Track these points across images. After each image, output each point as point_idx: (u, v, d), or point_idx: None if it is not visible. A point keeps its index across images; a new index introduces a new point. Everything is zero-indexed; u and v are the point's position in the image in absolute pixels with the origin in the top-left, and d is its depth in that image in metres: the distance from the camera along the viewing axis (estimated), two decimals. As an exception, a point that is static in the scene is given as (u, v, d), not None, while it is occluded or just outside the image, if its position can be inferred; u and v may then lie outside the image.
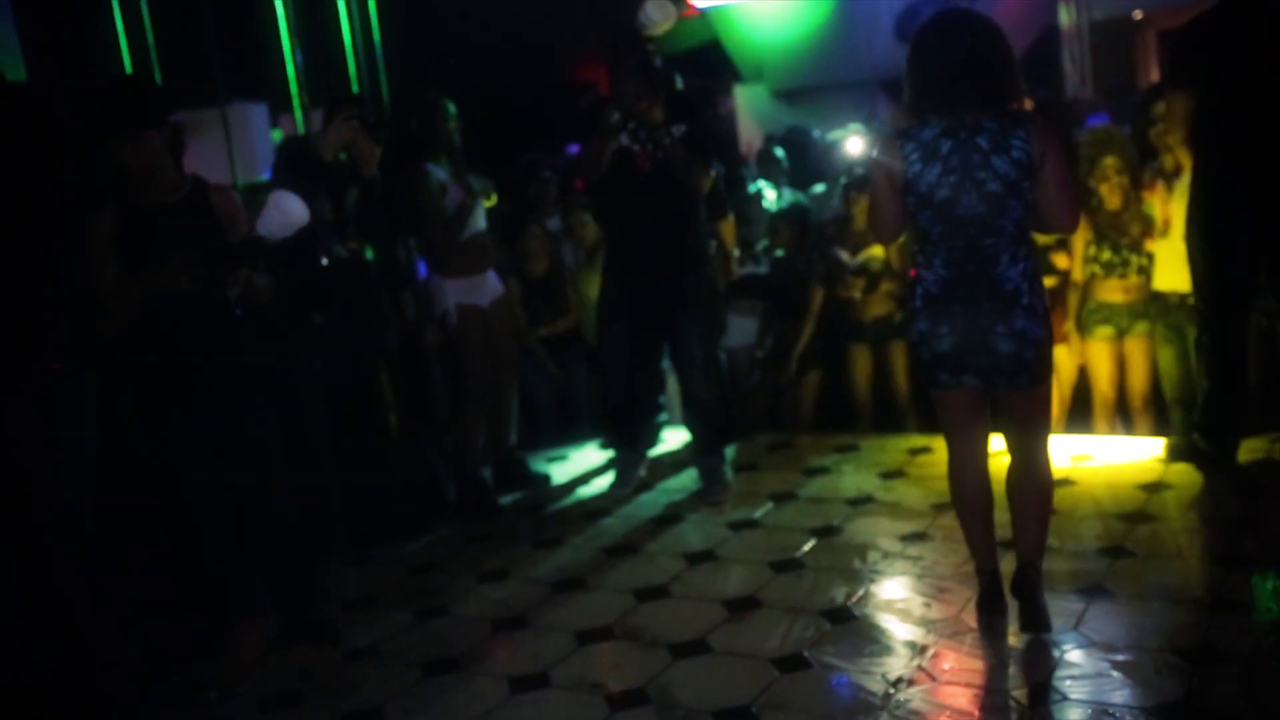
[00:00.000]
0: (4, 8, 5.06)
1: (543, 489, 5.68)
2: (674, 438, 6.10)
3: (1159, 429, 5.61)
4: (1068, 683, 3.34)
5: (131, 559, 3.80)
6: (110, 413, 3.57)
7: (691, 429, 5.62)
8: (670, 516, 5.11)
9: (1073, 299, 5.69)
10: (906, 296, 3.63)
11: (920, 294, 3.52)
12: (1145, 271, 5.58)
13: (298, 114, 6.72)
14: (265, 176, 6.74)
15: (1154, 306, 5.58)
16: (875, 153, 3.67)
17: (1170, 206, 5.39)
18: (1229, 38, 4.56)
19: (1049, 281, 5.09)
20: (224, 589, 3.99)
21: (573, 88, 10.61)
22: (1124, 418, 5.79)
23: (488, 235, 5.43)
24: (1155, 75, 10.59)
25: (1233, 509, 4.52)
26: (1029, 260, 3.45)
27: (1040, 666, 3.45)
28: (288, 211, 3.67)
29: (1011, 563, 3.76)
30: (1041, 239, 5.15)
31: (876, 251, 6.30)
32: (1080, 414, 5.83)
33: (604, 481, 5.64)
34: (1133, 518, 4.48)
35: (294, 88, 6.62)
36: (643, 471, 5.62)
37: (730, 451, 5.68)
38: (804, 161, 8.54)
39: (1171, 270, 5.39)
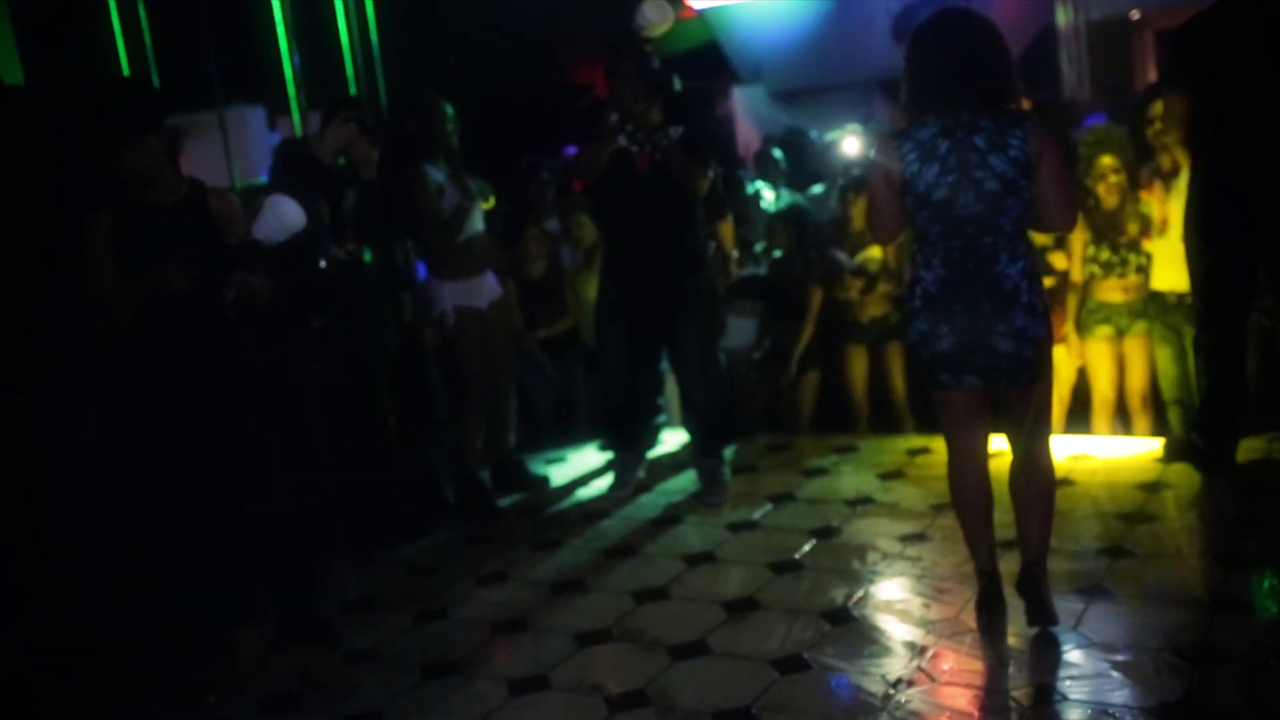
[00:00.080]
0: (2, 10, 5.06)
1: (541, 491, 5.67)
2: (673, 439, 6.10)
3: (1157, 429, 5.62)
4: (1067, 683, 3.34)
5: (131, 559, 3.80)
6: (110, 413, 3.57)
7: (690, 430, 5.62)
8: (669, 518, 5.11)
9: (1072, 301, 5.70)
10: (906, 296, 3.64)
11: (920, 294, 3.52)
12: (1144, 270, 5.59)
13: (295, 116, 6.71)
14: (263, 179, 6.73)
15: (1152, 306, 5.59)
16: (872, 153, 3.67)
17: (1168, 206, 5.40)
18: (1226, 38, 4.56)
19: (1047, 281, 5.10)
20: (223, 590, 3.99)
21: (571, 89, 10.60)
22: (1122, 418, 5.79)
23: (485, 237, 5.43)
24: (1152, 75, 10.59)
25: (1232, 509, 4.52)
26: (1027, 259, 3.46)
27: (1040, 667, 3.46)
28: (283, 216, 3.67)
29: (1011, 563, 3.76)
30: (1039, 239, 5.16)
31: (875, 253, 6.30)
32: (1079, 414, 5.83)
33: (603, 483, 5.64)
34: (1132, 518, 4.48)
35: (291, 90, 6.61)
36: (641, 473, 5.62)
37: (729, 453, 5.68)
38: (802, 162, 8.55)
39: (1169, 270, 5.40)
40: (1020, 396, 3.55)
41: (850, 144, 7.65)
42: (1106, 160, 5.57)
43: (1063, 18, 11.22)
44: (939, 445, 3.89)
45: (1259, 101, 4.49)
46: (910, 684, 3.43)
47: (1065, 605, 3.73)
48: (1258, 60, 4.48)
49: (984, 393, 3.58)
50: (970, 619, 3.75)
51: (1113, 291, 5.63)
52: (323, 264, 4.84)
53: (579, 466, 5.98)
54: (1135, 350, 5.67)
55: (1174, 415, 5.59)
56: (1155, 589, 3.87)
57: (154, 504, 3.91)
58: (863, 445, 5.83)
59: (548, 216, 6.84)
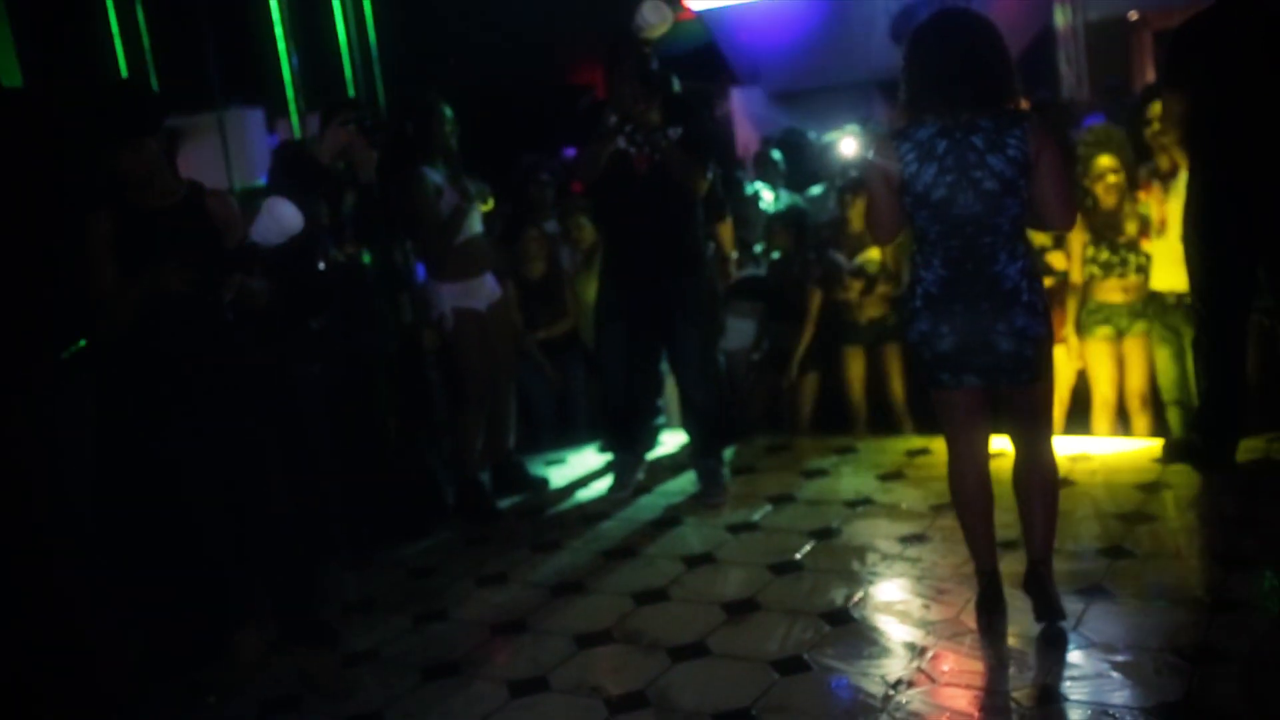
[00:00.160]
0: (1, 11, 5.06)
1: (541, 492, 5.67)
2: (672, 440, 6.10)
3: (1157, 429, 5.62)
4: (1067, 683, 3.34)
5: (131, 559, 3.80)
6: (110, 413, 3.57)
7: (689, 431, 5.62)
8: (669, 519, 5.10)
9: (1072, 303, 5.70)
10: (906, 297, 3.64)
11: (920, 294, 3.52)
12: (1144, 271, 5.59)
13: (294, 118, 6.71)
14: (262, 181, 6.73)
15: (1152, 306, 5.59)
16: (870, 154, 3.67)
17: (1166, 206, 5.40)
18: (1224, 38, 4.56)
19: (1045, 282, 5.10)
20: (223, 591, 3.99)
21: (570, 90, 10.61)
22: (1121, 418, 5.79)
23: (484, 239, 5.43)
24: (1151, 76, 10.60)
25: (1231, 509, 4.52)
26: (1027, 258, 3.47)
27: (1040, 667, 3.45)
28: (281, 218, 3.67)
29: (1011, 564, 3.76)
30: (1038, 239, 5.17)
31: (874, 254, 6.30)
32: (1078, 415, 5.83)
33: (602, 484, 5.64)
34: (1131, 518, 4.48)
35: (290, 92, 6.61)
36: (641, 474, 5.61)
37: (728, 454, 5.68)
38: (801, 163, 8.54)
39: (1168, 270, 5.41)
40: (1022, 396, 3.55)
41: (849, 145, 7.65)
42: (1104, 161, 5.57)
43: (1061, 18, 11.23)
44: (938, 446, 3.89)
45: (1258, 101, 4.49)
46: (910, 685, 3.43)
47: (1065, 605, 3.72)
48: (1257, 60, 4.48)
49: (985, 392, 3.58)
50: (970, 620, 3.75)
51: (1113, 292, 5.64)
52: (322, 266, 4.84)
53: (578, 468, 5.98)
54: (1135, 351, 5.67)
55: (1173, 416, 5.59)
56: (1155, 589, 3.87)
57: (154, 504, 3.91)
58: (862, 446, 5.83)
59: (547, 218, 6.84)
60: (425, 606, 4.44)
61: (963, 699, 3.35)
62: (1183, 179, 4.99)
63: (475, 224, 5.30)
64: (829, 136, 8.50)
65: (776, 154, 8.18)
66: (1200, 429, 4.93)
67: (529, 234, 6.47)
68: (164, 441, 3.76)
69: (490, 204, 5.46)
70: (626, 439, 5.59)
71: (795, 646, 3.74)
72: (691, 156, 5.05)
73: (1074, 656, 3.47)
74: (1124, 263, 5.60)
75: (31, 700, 3.46)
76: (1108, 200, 5.57)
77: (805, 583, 4.26)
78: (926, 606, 3.93)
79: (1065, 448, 5.17)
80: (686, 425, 5.69)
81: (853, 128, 8.19)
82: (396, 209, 5.15)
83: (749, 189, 7.46)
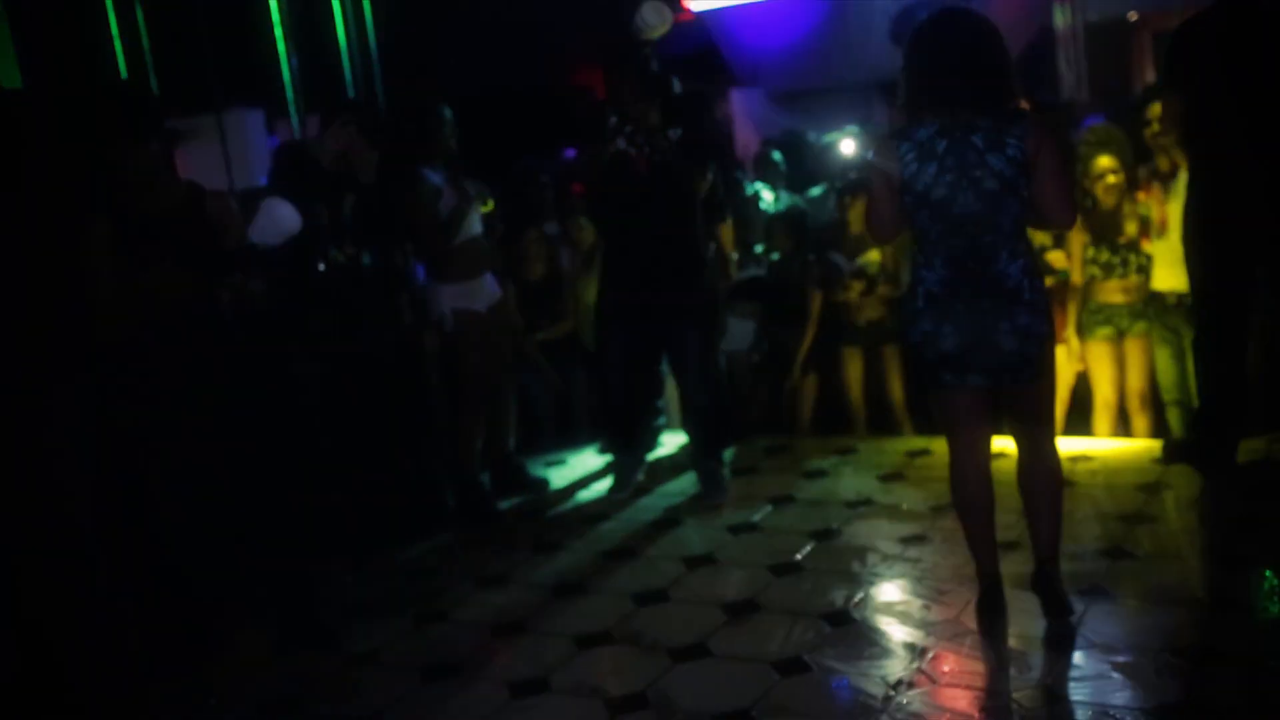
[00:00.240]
0: (0, 14, 5.07)
1: (541, 493, 5.67)
2: (672, 441, 6.10)
3: (1157, 430, 5.62)
4: (1068, 684, 3.34)
5: (131, 559, 3.80)
6: (110, 414, 3.57)
7: (690, 432, 5.62)
8: (669, 520, 5.10)
9: (1072, 304, 5.70)
10: (907, 298, 3.63)
11: (922, 294, 3.52)
12: (1144, 271, 5.59)
13: (294, 119, 6.72)
14: (262, 182, 6.74)
15: (1152, 307, 5.59)
16: (870, 155, 3.68)
17: (1166, 207, 5.40)
18: (1224, 38, 4.56)
19: (1046, 281, 5.11)
20: (224, 592, 3.98)
21: (570, 92, 10.60)
22: (1122, 419, 5.79)
23: (484, 240, 5.43)
24: (1150, 77, 10.59)
25: (1232, 509, 4.52)
26: (1027, 257, 3.47)
27: (1041, 668, 3.45)
28: (279, 219, 3.68)
29: (1012, 564, 3.76)
30: (1038, 239, 5.17)
31: (874, 255, 6.30)
32: (1078, 416, 5.83)
33: (602, 485, 5.63)
34: (1132, 519, 4.48)
35: (290, 93, 6.62)
36: (641, 475, 5.61)
37: (729, 455, 5.68)
38: (801, 164, 8.53)
39: (1168, 271, 5.41)
40: (1024, 394, 3.55)
41: (849, 145, 7.65)
42: (1104, 161, 5.57)
43: (1060, 19, 11.21)
44: (938, 447, 3.89)
45: (1257, 101, 4.49)
46: (910, 686, 3.43)
47: (1066, 606, 3.74)
48: (1255, 61, 4.48)
49: (986, 393, 3.58)
50: (971, 621, 3.75)
51: (1113, 292, 5.64)
52: (321, 267, 4.84)
53: (578, 469, 5.97)
54: (1135, 351, 5.67)
55: (1174, 416, 5.59)
56: (1155, 590, 3.87)
57: (154, 505, 3.91)
58: (862, 447, 5.83)
59: (547, 219, 6.84)
60: (425, 608, 4.43)
61: (963, 700, 3.35)
62: (1183, 179, 4.99)
63: (475, 225, 5.30)
64: (829, 137, 8.50)
65: (776, 155, 8.17)
66: (1200, 429, 4.92)
67: (529, 235, 6.47)
68: (164, 442, 3.76)
69: (490, 205, 5.46)
70: (626, 440, 5.58)
71: (796, 647, 3.73)
72: (691, 158, 5.04)
73: (1074, 657, 3.47)
74: (1124, 263, 5.60)
75: (31, 700, 3.46)
76: (1108, 201, 5.57)
77: (805, 583, 4.26)
78: (927, 607, 3.93)
79: (1066, 448, 5.17)
80: (687, 426, 5.69)
81: (852, 129, 8.19)
82: (396, 210, 5.15)
83: (749, 190, 7.46)
